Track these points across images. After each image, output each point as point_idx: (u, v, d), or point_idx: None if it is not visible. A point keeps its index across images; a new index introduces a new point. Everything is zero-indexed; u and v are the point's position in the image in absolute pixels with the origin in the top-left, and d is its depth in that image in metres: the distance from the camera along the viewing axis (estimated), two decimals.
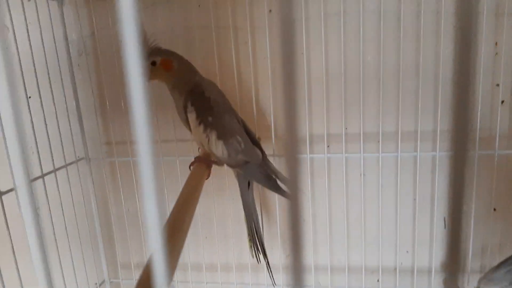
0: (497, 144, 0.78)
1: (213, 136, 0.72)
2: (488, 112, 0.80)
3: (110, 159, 0.96)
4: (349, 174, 0.88)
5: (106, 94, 0.91)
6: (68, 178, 0.89)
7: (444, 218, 0.87)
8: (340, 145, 0.86)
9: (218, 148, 0.72)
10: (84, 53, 0.92)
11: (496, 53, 0.78)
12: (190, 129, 0.75)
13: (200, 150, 0.83)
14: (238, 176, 0.79)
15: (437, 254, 0.88)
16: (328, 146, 0.87)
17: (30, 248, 0.25)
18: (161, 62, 0.70)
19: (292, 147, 0.21)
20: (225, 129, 0.73)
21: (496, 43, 0.78)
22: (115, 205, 1.00)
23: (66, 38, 0.89)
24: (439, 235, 0.88)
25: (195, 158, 0.78)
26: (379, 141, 0.85)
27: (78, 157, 0.94)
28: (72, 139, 0.92)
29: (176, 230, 0.54)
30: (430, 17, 0.78)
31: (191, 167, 0.77)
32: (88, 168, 0.96)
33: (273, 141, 0.86)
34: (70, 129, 0.91)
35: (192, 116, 0.72)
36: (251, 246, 0.83)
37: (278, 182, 0.74)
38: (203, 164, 0.77)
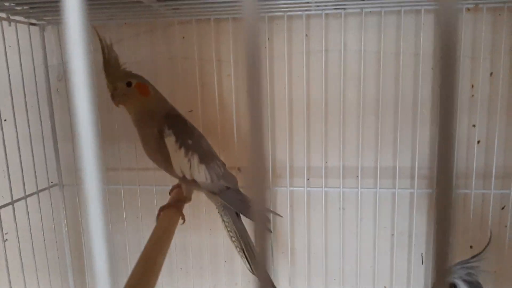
0: (473, 183, 0.80)
1: (195, 160, 0.68)
2: (464, 152, 0.82)
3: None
4: (328, 208, 0.88)
5: None
6: (39, 205, 0.86)
7: (422, 254, 0.88)
8: (319, 179, 0.86)
9: (201, 173, 0.68)
10: (63, 78, 0.91)
11: (472, 95, 0.81)
12: (160, 160, 0.68)
13: (170, 192, 0.78)
14: (222, 207, 0.75)
15: None
16: (308, 179, 0.87)
17: None
18: (136, 85, 0.66)
19: (257, 179, 0.21)
20: (205, 152, 0.70)
21: (472, 85, 0.80)
22: (87, 233, 0.96)
23: (46, 63, 0.88)
24: (416, 270, 0.87)
25: (160, 208, 0.71)
26: (358, 176, 0.85)
27: (52, 183, 0.91)
28: (46, 164, 0.89)
29: (147, 270, 0.51)
30: (409, 58, 0.80)
31: (157, 219, 0.69)
32: (61, 194, 0.93)
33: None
34: (45, 154, 0.88)
35: (170, 140, 0.67)
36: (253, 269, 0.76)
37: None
38: (172, 208, 0.70)
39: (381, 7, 0.77)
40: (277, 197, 0.89)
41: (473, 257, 0.62)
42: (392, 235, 0.88)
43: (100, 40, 0.63)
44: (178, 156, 0.67)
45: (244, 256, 0.75)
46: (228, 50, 0.85)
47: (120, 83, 0.65)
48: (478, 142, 0.82)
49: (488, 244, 0.64)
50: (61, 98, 0.92)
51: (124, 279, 0.89)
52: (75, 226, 0.96)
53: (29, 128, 0.84)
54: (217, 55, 0.85)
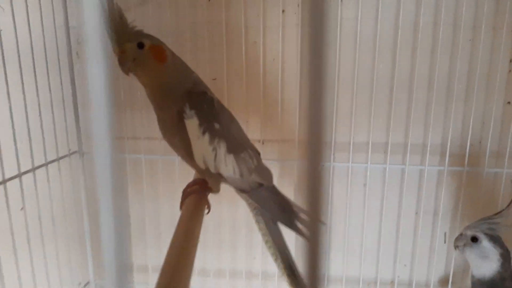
0: (506, 162, 0.78)
1: (222, 149, 0.55)
2: (498, 130, 0.79)
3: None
4: (353, 184, 0.86)
5: None
6: (60, 172, 0.85)
7: (445, 233, 0.86)
8: (346, 153, 0.84)
9: (228, 165, 0.56)
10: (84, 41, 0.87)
11: (510, 70, 0.77)
12: (179, 146, 0.57)
13: (194, 177, 0.68)
14: (254, 206, 0.63)
15: (436, 269, 0.87)
16: (333, 154, 0.85)
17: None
18: (150, 47, 0.53)
19: (315, 157, 0.19)
20: (235, 140, 0.57)
21: (510, 60, 0.77)
22: (97, 203, 0.95)
23: (67, 24, 0.84)
24: (439, 250, 0.86)
25: (184, 192, 0.61)
26: (385, 152, 0.83)
27: (71, 150, 0.89)
28: (67, 132, 0.87)
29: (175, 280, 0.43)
30: (447, 29, 0.77)
31: (182, 207, 0.59)
32: (81, 162, 0.91)
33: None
34: (65, 120, 0.86)
35: (192, 123, 0.53)
36: (292, 282, 0.65)
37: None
38: (198, 195, 0.60)
39: None
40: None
41: (496, 214, 0.63)
42: (417, 213, 0.86)
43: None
44: (201, 144, 0.54)
45: (282, 268, 0.64)
46: (255, 15, 0.81)
47: (129, 43, 0.51)
48: None
49: (511, 202, 0.63)
50: (82, 62, 0.88)
51: (139, 249, 0.87)
52: (94, 194, 0.94)
53: (50, 93, 0.81)
54: (245, 20, 0.81)
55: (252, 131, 0.86)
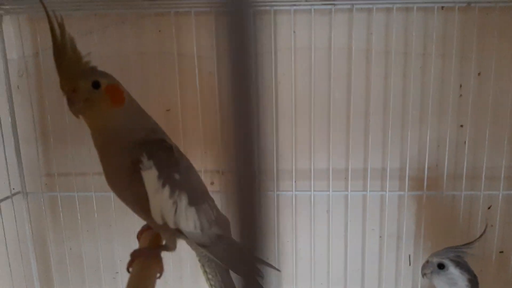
0: (463, 185, 0.79)
1: (183, 202, 0.50)
2: (453, 152, 0.80)
3: (51, 194, 0.85)
4: (316, 211, 0.84)
5: (48, 120, 0.81)
6: (1, 215, 0.78)
7: (410, 255, 0.86)
8: (306, 182, 0.82)
9: (189, 220, 0.51)
10: (25, 74, 0.82)
11: (460, 95, 0.79)
12: (131, 200, 0.52)
13: (139, 236, 0.63)
14: (207, 257, 0.59)
15: None
16: (294, 182, 0.83)
17: None
18: (107, 88, 0.47)
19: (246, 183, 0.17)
20: (195, 190, 0.53)
21: (460, 85, 0.79)
22: (55, 244, 0.88)
23: (5, 57, 0.78)
24: (404, 272, 0.86)
25: (132, 253, 0.55)
26: (346, 178, 0.82)
27: (14, 190, 0.82)
28: (7, 171, 0.80)
29: None
30: (399, 57, 0.78)
31: (130, 269, 0.54)
32: (25, 203, 0.84)
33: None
34: (5, 159, 0.79)
35: (150, 175, 0.48)
36: None
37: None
38: (149, 257, 0.54)
39: (372, 4, 0.74)
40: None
41: (464, 244, 0.64)
42: (380, 237, 0.86)
43: (48, 17, 0.45)
44: (160, 198, 0.49)
45: None
46: (209, 45, 0.79)
47: (82, 81, 0.46)
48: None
49: (482, 233, 0.64)
50: (22, 96, 0.82)
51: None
52: (42, 236, 0.87)
53: None
54: (198, 50, 0.79)
55: (211, 163, 0.83)
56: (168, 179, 0.49)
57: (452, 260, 0.62)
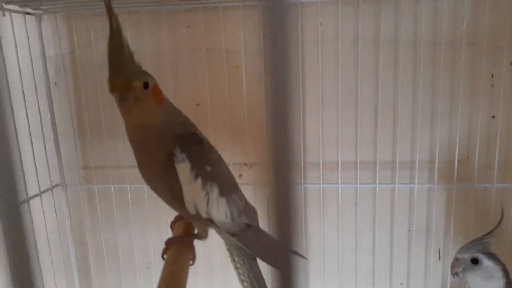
0: (495, 176, 0.77)
1: (215, 193, 0.53)
2: (484, 144, 0.79)
3: (88, 186, 0.89)
4: (343, 204, 0.85)
5: (85, 115, 0.85)
6: (42, 206, 0.82)
7: (439, 249, 0.85)
8: (334, 174, 0.83)
9: (220, 210, 0.53)
10: (62, 71, 0.86)
11: (492, 85, 0.77)
12: (165, 191, 0.54)
13: (172, 226, 0.66)
14: (235, 246, 0.61)
15: (432, 286, 0.86)
16: (322, 175, 0.84)
17: None
18: (153, 88, 0.50)
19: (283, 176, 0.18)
20: (225, 181, 0.55)
21: (492, 75, 0.77)
22: (92, 235, 0.93)
23: (43, 55, 0.82)
24: (434, 266, 0.85)
25: (167, 241, 0.58)
26: (373, 171, 0.82)
27: (53, 182, 0.87)
28: (48, 164, 0.85)
29: None
30: (427, 47, 0.77)
31: (165, 256, 0.56)
32: (64, 195, 0.88)
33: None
34: (46, 153, 0.84)
35: (184, 168, 0.51)
36: None
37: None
38: (182, 245, 0.57)
39: None
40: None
41: (487, 234, 0.63)
42: (409, 230, 0.85)
43: (111, 18, 0.47)
44: (193, 189, 0.51)
45: None
46: (237, 40, 0.80)
47: (136, 81, 0.48)
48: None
49: (500, 221, 0.63)
50: (60, 93, 0.87)
51: (130, 280, 0.85)
52: (80, 227, 0.92)
53: (29, 126, 0.79)
54: (226, 45, 0.80)
55: (239, 156, 0.85)
56: (200, 171, 0.51)
57: (483, 253, 0.61)
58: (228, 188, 0.55)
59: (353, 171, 0.82)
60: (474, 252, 0.61)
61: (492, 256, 0.61)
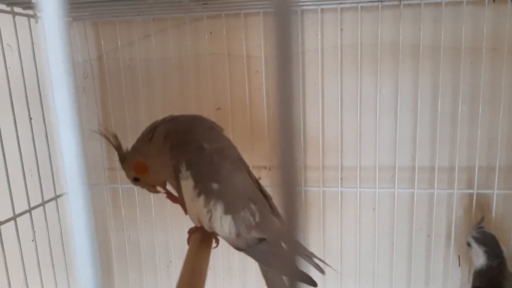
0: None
1: (219, 211, 0.52)
2: (505, 150, 0.78)
3: (113, 186, 0.92)
4: (362, 209, 0.85)
5: (111, 119, 0.88)
6: (57, 210, 0.85)
7: (459, 256, 0.85)
8: (353, 178, 0.83)
9: (224, 226, 0.53)
10: (90, 76, 0.89)
11: None
12: (179, 194, 0.56)
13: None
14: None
15: None
16: (341, 179, 0.84)
17: None
18: (134, 169, 0.59)
19: (288, 179, 0.19)
20: (236, 197, 0.54)
21: None
22: (115, 233, 0.96)
23: (72, 61, 0.86)
24: (453, 273, 0.84)
25: (189, 230, 0.61)
26: (393, 176, 0.82)
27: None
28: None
29: None
30: (448, 52, 0.77)
31: (190, 242, 0.59)
32: (89, 194, 0.91)
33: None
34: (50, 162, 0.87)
35: (187, 185, 0.52)
36: None
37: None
38: (203, 231, 0.58)
39: None
40: (309, 198, 0.87)
41: (480, 221, 0.74)
42: (429, 236, 0.85)
43: (109, 140, 0.60)
44: (195, 206, 0.53)
45: None
46: (257, 46, 0.82)
47: (131, 179, 0.61)
48: None
49: (482, 219, 0.75)
50: (87, 97, 0.90)
51: (151, 278, 0.88)
52: (104, 224, 0.95)
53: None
54: (247, 50, 0.82)
55: (258, 159, 0.86)
56: (204, 190, 0.52)
57: (473, 237, 0.72)
58: (237, 204, 0.53)
59: (372, 176, 0.82)
60: (468, 238, 0.73)
61: (478, 239, 0.71)
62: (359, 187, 0.82)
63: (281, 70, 0.18)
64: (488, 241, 0.72)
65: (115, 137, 0.61)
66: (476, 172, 0.77)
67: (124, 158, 0.60)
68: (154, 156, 0.57)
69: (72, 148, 0.20)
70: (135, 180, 0.61)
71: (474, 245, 0.72)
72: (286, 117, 0.18)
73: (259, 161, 0.87)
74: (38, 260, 0.77)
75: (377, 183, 0.81)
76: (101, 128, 0.60)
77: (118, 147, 0.61)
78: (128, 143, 0.87)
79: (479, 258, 0.71)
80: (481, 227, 0.73)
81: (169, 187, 0.63)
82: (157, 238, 0.93)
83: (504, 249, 0.71)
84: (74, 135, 0.19)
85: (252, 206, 0.54)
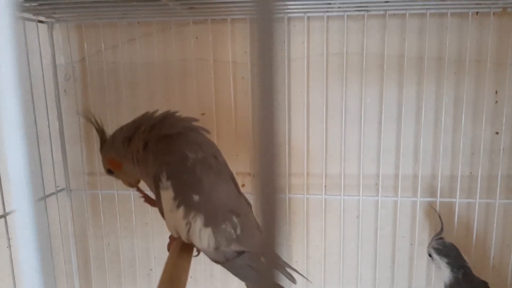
0: (498, 192, 0.77)
1: (198, 223, 0.50)
2: (487, 159, 0.79)
3: (93, 191, 0.90)
4: (345, 216, 0.85)
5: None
6: (46, 210, 0.83)
7: None
8: (337, 186, 0.83)
9: (203, 239, 0.51)
10: (72, 78, 0.87)
11: (496, 101, 0.78)
12: (158, 203, 0.54)
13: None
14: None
15: None
16: (325, 187, 0.84)
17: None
18: (108, 162, 0.59)
19: (268, 186, 0.18)
20: (217, 209, 0.51)
21: (496, 92, 0.78)
22: (94, 239, 0.93)
23: (54, 62, 0.84)
24: (436, 281, 0.85)
25: (170, 235, 0.59)
26: (376, 184, 0.82)
27: (58, 187, 0.88)
28: (53, 169, 0.86)
29: None
30: (432, 63, 0.78)
31: (170, 249, 0.58)
32: (68, 199, 0.89)
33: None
34: (52, 158, 0.85)
35: (167, 195, 0.50)
36: None
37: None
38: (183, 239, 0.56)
39: (406, 9, 0.74)
40: (293, 205, 0.86)
41: (440, 230, 0.73)
42: (411, 244, 0.85)
43: (91, 121, 0.61)
44: (173, 217, 0.51)
45: None
46: (244, 52, 0.82)
47: (105, 170, 0.62)
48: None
49: (441, 227, 0.73)
50: (69, 99, 0.88)
51: (130, 286, 0.84)
52: (83, 231, 0.93)
53: (37, 130, 0.80)
54: (233, 56, 0.82)
55: (243, 165, 0.86)
56: (183, 201, 0.50)
57: (434, 248, 0.71)
58: (218, 217, 0.51)
59: (356, 184, 0.82)
60: (429, 248, 0.72)
61: (438, 251, 0.70)
62: (343, 195, 0.82)
63: (262, 76, 0.18)
64: (448, 252, 0.70)
65: (98, 121, 0.61)
66: (459, 181, 0.78)
67: (103, 144, 0.60)
68: (129, 162, 0.56)
69: (19, 158, 0.18)
70: (109, 172, 0.61)
71: (436, 256, 0.71)
72: (266, 123, 0.18)
73: (243, 167, 0.86)
74: None
75: (361, 191, 0.81)
76: (85, 111, 0.60)
77: (100, 130, 0.61)
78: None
79: (443, 271, 0.70)
80: (441, 238, 0.72)
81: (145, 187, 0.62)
82: (138, 246, 0.91)
83: (465, 257, 0.70)
84: (21, 142, 0.18)
85: (234, 218, 0.52)
